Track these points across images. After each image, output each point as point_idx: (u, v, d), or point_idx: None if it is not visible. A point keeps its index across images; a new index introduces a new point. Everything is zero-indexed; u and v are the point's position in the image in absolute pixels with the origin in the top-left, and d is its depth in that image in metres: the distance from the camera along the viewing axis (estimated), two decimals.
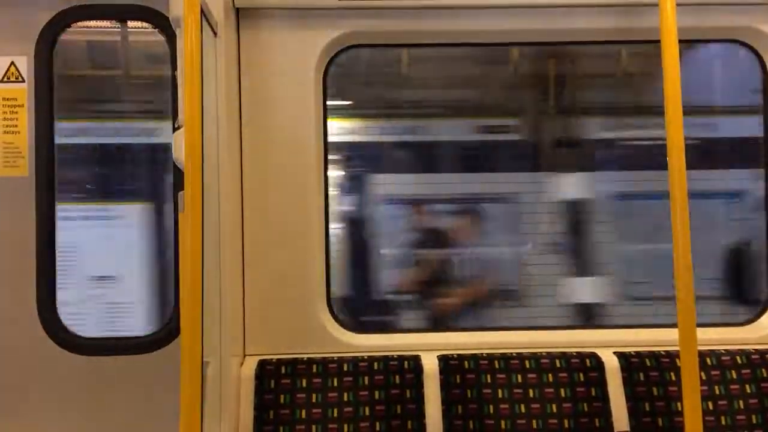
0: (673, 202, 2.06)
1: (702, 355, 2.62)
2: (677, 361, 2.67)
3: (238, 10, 2.85)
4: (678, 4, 2.11)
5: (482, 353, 2.81)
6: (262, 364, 2.75)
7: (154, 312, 5.16)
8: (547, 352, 2.82)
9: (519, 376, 2.75)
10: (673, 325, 2.16)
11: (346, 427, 2.66)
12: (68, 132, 3.93)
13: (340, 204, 5.33)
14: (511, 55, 4.69)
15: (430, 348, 2.87)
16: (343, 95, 4.93)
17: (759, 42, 3.01)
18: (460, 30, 2.96)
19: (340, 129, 4.84)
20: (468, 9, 2.88)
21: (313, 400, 2.69)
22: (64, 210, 3.12)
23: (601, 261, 5.42)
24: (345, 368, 2.76)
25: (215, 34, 2.47)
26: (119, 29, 3.48)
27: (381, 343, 2.92)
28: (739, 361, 2.78)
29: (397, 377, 2.75)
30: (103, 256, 5.39)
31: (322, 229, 2.94)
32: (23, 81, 2.91)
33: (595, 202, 5.39)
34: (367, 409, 2.69)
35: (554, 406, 2.71)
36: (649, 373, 2.76)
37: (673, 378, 2.73)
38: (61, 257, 2.92)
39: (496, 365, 2.77)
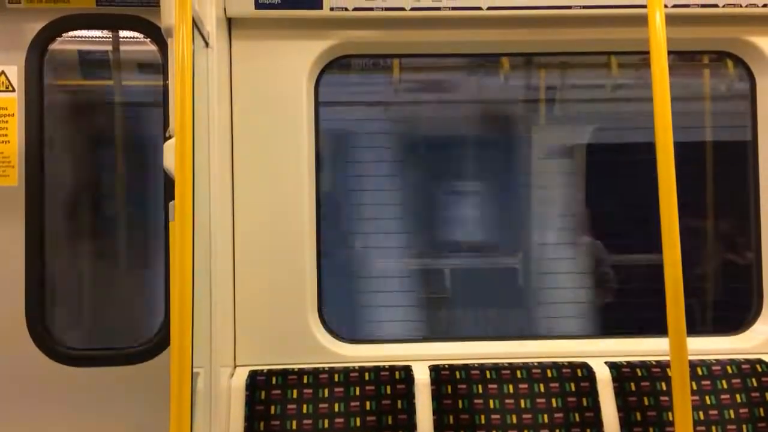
0: (662, 211, 2.06)
1: (693, 364, 2.63)
2: (668, 370, 2.68)
3: (230, 20, 2.85)
4: (667, 16, 2.12)
5: (474, 363, 2.81)
6: (253, 375, 2.74)
7: None
8: (539, 362, 2.83)
9: (510, 386, 2.75)
10: (664, 335, 2.17)
11: None
12: None
13: None
14: None
15: (421, 358, 2.86)
16: None
17: (747, 53, 3.04)
18: (450, 40, 2.97)
19: None
20: (458, 19, 2.89)
21: (304, 411, 2.68)
22: None
23: None
24: (336, 378, 2.75)
25: (207, 44, 2.47)
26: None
27: (372, 353, 2.91)
28: (730, 371, 2.79)
29: (389, 387, 2.74)
30: None
31: (313, 239, 2.93)
32: (13, 90, 2.91)
33: None
34: (358, 420, 2.68)
35: (545, 417, 2.70)
36: (640, 383, 2.76)
37: (664, 388, 2.74)
38: None
39: (488, 375, 2.77)
